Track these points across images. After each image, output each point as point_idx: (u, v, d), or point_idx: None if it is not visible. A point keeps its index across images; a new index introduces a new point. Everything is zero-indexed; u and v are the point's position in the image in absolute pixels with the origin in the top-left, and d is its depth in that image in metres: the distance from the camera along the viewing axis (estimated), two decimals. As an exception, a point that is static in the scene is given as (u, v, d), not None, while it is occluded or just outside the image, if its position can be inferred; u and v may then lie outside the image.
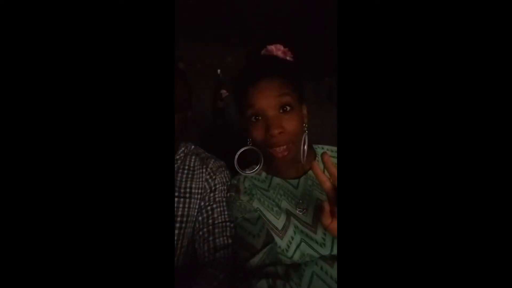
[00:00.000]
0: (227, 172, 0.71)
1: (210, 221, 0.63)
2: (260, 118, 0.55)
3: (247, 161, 0.66)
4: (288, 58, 0.62)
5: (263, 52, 0.63)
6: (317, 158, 0.66)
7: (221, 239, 0.60)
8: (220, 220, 0.63)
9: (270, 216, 0.59)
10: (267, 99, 0.54)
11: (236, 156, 0.61)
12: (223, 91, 2.57)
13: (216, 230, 0.61)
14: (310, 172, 0.64)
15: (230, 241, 0.61)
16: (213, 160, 0.71)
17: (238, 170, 0.61)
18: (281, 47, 0.62)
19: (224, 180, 0.69)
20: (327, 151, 0.66)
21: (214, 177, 0.68)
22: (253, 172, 0.62)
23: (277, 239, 0.56)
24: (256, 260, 0.53)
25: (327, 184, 0.44)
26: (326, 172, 0.46)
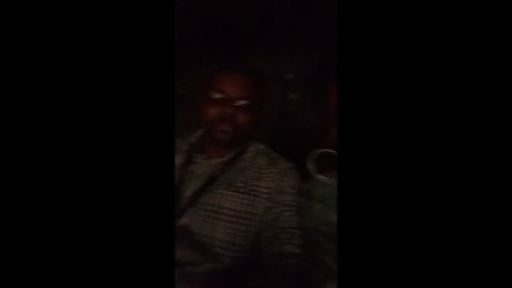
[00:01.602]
0: (297, 175, 0.67)
1: (278, 224, 0.58)
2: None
3: (318, 166, 0.63)
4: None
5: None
6: None
7: (288, 246, 0.55)
8: (288, 225, 0.58)
9: None
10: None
11: (313, 158, 0.60)
12: (289, 95, 2.59)
13: (284, 235, 0.56)
14: None
15: (298, 250, 0.55)
16: (281, 161, 0.68)
17: (312, 173, 0.61)
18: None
19: (294, 183, 0.64)
20: None
21: (284, 178, 0.64)
22: (328, 178, 0.59)
23: None
24: (334, 286, 0.48)
25: None
26: None
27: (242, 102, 0.63)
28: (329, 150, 0.58)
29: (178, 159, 0.68)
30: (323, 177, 0.60)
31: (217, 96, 0.62)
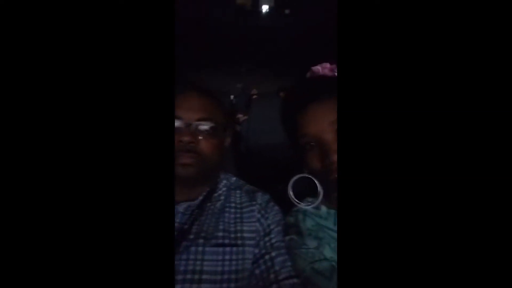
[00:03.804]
0: (277, 207, 0.59)
1: (272, 276, 0.48)
2: (314, 144, 0.48)
3: (298, 194, 0.56)
4: (335, 74, 0.56)
5: (308, 75, 0.58)
6: None
7: None
8: (284, 276, 0.48)
9: None
10: (321, 124, 0.47)
11: (291, 184, 0.53)
12: (240, 116, 2.56)
13: None
14: None
15: None
16: (260, 193, 0.59)
17: (294, 201, 0.53)
18: (328, 65, 0.57)
19: (277, 218, 0.56)
20: None
21: (266, 215, 0.55)
22: (312, 205, 0.53)
23: None
24: None
25: None
26: None
27: (203, 127, 0.53)
28: (307, 175, 0.53)
29: None
30: (306, 204, 0.54)
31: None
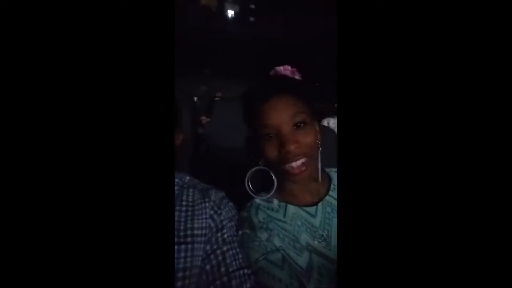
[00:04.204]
0: (231, 204, 0.61)
1: (223, 269, 0.49)
2: (273, 135, 0.53)
3: (255, 186, 0.60)
4: (296, 77, 0.61)
5: (271, 72, 0.62)
6: (333, 182, 0.64)
7: None
8: (235, 267, 0.50)
9: (293, 255, 0.53)
10: (281, 116, 0.52)
11: (248, 177, 0.56)
12: (203, 118, 2.55)
13: (233, 282, 0.48)
14: (327, 197, 0.61)
15: None
16: (214, 191, 0.60)
17: (251, 193, 0.56)
18: (289, 67, 0.62)
19: (230, 214, 0.58)
20: None
21: (219, 212, 0.56)
22: (267, 195, 0.57)
23: (304, 282, 0.50)
24: None
25: None
26: None
27: None
28: (263, 167, 0.57)
29: None
30: (263, 195, 0.58)
31: None
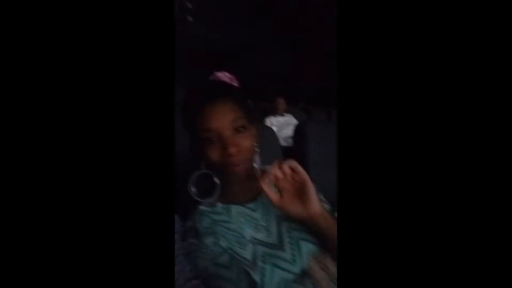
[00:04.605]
0: (175, 215, 0.60)
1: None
2: (214, 139, 0.55)
3: (200, 191, 0.60)
4: (234, 83, 0.65)
5: (211, 77, 0.64)
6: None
7: None
8: (182, 281, 0.50)
9: (239, 251, 0.56)
10: (222, 120, 0.55)
11: (191, 181, 0.57)
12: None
13: None
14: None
15: None
16: (174, 171, 0.59)
17: (196, 197, 0.57)
18: (227, 74, 0.65)
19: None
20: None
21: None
22: (212, 199, 0.58)
23: (250, 272, 0.53)
24: None
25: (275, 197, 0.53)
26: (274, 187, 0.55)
27: None
28: (206, 171, 0.58)
29: None
30: (208, 202, 0.59)
31: None
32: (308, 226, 0.57)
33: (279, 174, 0.54)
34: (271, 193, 0.54)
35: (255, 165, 0.59)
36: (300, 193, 0.54)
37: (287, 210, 0.54)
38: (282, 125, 2.73)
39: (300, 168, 0.53)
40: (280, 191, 0.55)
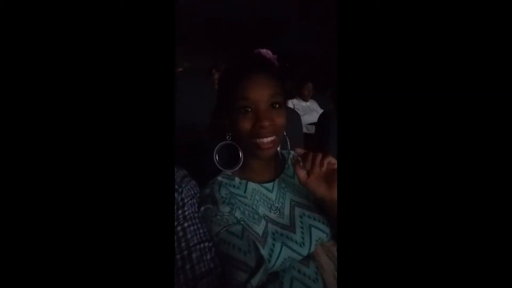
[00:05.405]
0: (194, 181, 0.62)
1: (183, 244, 0.51)
2: (250, 110, 0.56)
3: (223, 160, 0.63)
4: (275, 62, 0.65)
5: (256, 51, 0.65)
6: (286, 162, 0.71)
7: (201, 264, 0.50)
8: (195, 241, 0.52)
9: (252, 225, 0.58)
10: (262, 92, 0.56)
11: (216, 150, 0.60)
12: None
13: (194, 255, 0.50)
14: (283, 175, 0.68)
15: (212, 265, 0.51)
16: (174, 169, 0.60)
17: (219, 166, 0.60)
18: (270, 52, 0.65)
19: (192, 192, 0.59)
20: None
21: (180, 190, 0.57)
22: (232, 170, 0.61)
23: (259, 247, 0.55)
24: (256, 280, 0.49)
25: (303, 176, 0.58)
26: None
27: None
28: (232, 142, 0.60)
29: None
30: (227, 172, 0.62)
31: None
32: (324, 210, 0.60)
33: (310, 159, 0.57)
34: (300, 172, 0.58)
35: (278, 149, 0.60)
36: (327, 178, 0.57)
37: (312, 189, 0.58)
38: (305, 111, 2.69)
39: (333, 159, 0.57)
40: (308, 173, 0.58)
